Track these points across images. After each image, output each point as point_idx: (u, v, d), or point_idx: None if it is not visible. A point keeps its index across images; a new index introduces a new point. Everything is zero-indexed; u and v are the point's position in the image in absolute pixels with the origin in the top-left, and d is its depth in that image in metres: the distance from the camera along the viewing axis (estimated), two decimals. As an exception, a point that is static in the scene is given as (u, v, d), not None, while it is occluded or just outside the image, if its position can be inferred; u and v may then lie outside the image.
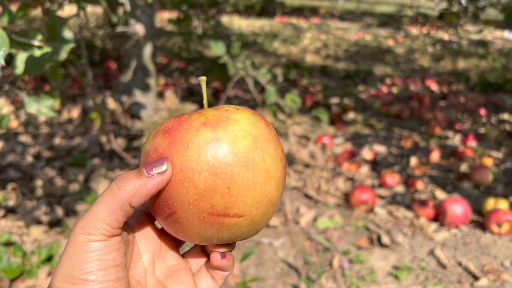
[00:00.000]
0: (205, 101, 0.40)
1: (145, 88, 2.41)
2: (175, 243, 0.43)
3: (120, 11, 2.15)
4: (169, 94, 2.70)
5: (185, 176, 0.34)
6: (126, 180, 0.34)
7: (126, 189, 0.34)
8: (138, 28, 2.16)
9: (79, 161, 2.01)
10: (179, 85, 3.00)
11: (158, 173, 0.34)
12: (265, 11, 6.31)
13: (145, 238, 0.40)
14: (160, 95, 2.78)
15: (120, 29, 1.96)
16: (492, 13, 5.69)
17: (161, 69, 3.48)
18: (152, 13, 2.31)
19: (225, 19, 5.12)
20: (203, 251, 0.43)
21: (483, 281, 1.37)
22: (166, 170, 0.34)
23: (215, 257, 0.39)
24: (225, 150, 0.34)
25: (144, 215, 0.41)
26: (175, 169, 0.35)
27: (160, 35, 4.35)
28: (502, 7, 2.45)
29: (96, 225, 0.33)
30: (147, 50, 2.39)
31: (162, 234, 0.42)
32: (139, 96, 2.42)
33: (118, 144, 2.17)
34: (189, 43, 2.49)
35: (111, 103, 2.44)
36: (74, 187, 1.83)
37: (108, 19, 1.83)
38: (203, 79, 0.40)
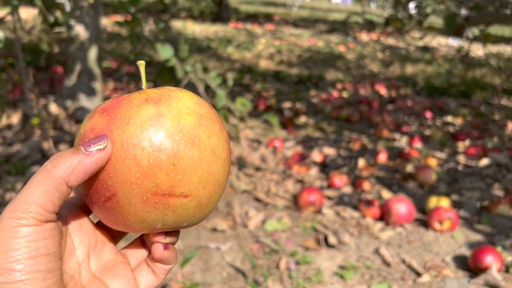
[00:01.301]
0: (144, 84, 0.38)
1: (91, 92, 2.33)
2: (111, 237, 0.40)
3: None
4: (117, 98, 2.62)
5: (126, 153, 0.32)
6: (62, 158, 0.31)
7: (63, 167, 0.31)
8: (79, 30, 2.09)
9: (18, 168, 1.91)
10: (128, 89, 2.93)
11: (97, 149, 0.32)
12: (219, 17, 6.30)
13: (79, 231, 0.37)
14: (107, 99, 2.69)
15: (58, 30, 1.88)
16: (439, 21, 5.96)
17: (110, 74, 3.39)
18: (96, 15, 2.24)
19: (178, 24, 5.07)
20: (142, 244, 0.40)
21: (425, 277, 1.41)
22: (105, 146, 0.32)
23: (157, 248, 0.37)
24: (169, 125, 0.33)
25: (77, 208, 0.38)
26: (115, 146, 0.32)
27: (111, 39, 4.24)
28: (444, 15, 2.56)
29: (28, 208, 0.30)
30: (92, 53, 2.31)
31: (98, 227, 0.39)
32: (84, 100, 2.33)
33: (61, 150, 2.08)
34: (136, 46, 2.43)
35: (55, 108, 2.35)
36: (11, 196, 1.73)
37: (45, 19, 1.75)
38: (141, 63, 0.38)
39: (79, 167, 0.31)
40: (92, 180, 0.33)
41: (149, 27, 2.69)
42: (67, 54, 2.36)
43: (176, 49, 2.33)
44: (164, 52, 2.14)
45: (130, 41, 2.34)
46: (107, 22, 4.86)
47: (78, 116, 2.34)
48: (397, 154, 2.34)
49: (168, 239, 0.37)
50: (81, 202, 0.38)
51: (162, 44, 2.24)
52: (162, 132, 0.32)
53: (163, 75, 2.40)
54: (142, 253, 0.40)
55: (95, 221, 0.39)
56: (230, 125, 2.27)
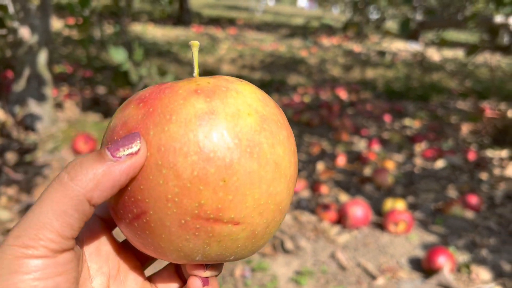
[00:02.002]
0: (196, 71, 0.30)
1: (41, 98, 2.23)
2: (138, 262, 0.32)
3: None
4: (69, 104, 2.53)
5: (164, 160, 0.25)
6: (82, 168, 0.24)
7: (84, 180, 0.23)
8: (24, 33, 2.00)
9: (-43, 180, 1.80)
10: (84, 94, 2.83)
11: (128, 154, 0.24)
12: (180, 21, 6.23)
13: (98, 255, 0.29)
14: (61, 105, 2.59)
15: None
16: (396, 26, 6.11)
17: (65, 79, 3.27)
18: (45, 17, 2.15)
19: (138, 28, 4.98)
20: (177, 273, 0.32)
21: (380, 280, 1.41)
22: (139, 150, 0.25)
23: (195, 283, 0.29)
24: (223, 127, 0.25)
25: (98, 221, 0.30)
26: (150, 149, 0.25)
27: (67, 42, 4.11)
28: (399, 20, 2.62)
29: (38, 234, 0.22)
30: (42, 57, 2.21)
31: (122, 249, 0.31)
32: (33, 106, 2.23)
33: (8, 158, 1.97)
34: (89, 50, 2.36)
35: (1, 114, 2.23)
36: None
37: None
38: (195, 43, 0.31)
39: (105, 179, 0.24)
40: (119, 191, 0.26)
41: (105, 30, 2.61)
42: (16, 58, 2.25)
43: (132, 53, 2.26)
44: (117, 55, 2.08)
45: (81, 44, 2.26)
46: (63, 25, 4.72)
47: (27, 123, 2.24)
48: (356, 157, 2.36)
49: (208, 273, 0.29)
50: (103, 212, 0.31)
51: (116, 47, 2.17)
52: (213, 136, 0.25)
53: (117, 79, 2.33)
54: (175, 284, 0.32)
55: (119, 239, 0.32)
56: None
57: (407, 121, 3.05)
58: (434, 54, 4.67)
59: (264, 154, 0.26)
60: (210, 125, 0.25)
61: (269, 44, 5.14)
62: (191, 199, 0.25)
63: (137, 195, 0.26)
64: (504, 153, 2.40)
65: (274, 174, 0.27)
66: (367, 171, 2.19)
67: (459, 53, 5.18)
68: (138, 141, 0.25)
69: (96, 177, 0.23)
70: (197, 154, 0.25)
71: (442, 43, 2.93)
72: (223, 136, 0.25)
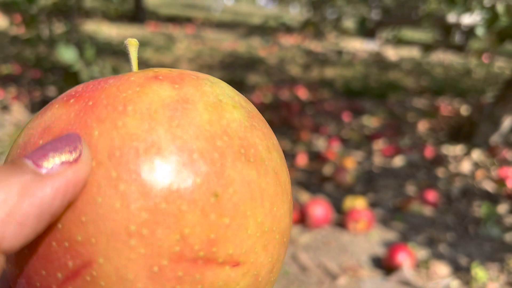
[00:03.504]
0: (134, 66, 0.23)
1: (-16, 100, 2.09)
2: None
3: None
4: (17, 107, 2.39)
5: (121, 169, 0.16)
6: None
7: None
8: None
9: None
10: (33, 96, 2.68)
11: (62, 163, 0.15)
12: (136, 19, 6.07)
13: None
14: (7, 108, 2.45)
15: None
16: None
17: (13, 80, 3.10)
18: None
19: (91, 26, 4.81)
20: None
21: (341, 280, 1.40)
22: (79, 156, 0.15)
23: None
24: (204, 119, 0.18)
25: None
26: (97, 156, 0.16)
27: (15, 42, 3.90)
28: (356, 19, 2.64)
29: None
30: (-16, 56, 2.07)
31: None
32: (-25, 109, 2.09)
33: None
34: (37, 49, 2.24)
35: None
36: None
37: None
38: (132, 42, 0.23)
39: (26, 205, 0.14)
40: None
41: (55, 29, 2.49)
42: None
43: (83, 52, 2.16)
44: (66, 55, 1.98)
45: (29, 44, 2.14)
46: (9, 24, 4.47)
47: (-32, 127, 2.09)
48: (316, 156, 2.36)
49: None
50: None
51: (65, 46, 2.07)
52: (193, 131, 0.17)
53: (68, 80, 2.22)
54: None
55: None
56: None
57: (365, 120, 3.09)
58: (391, 53, 4.78)
59: (261, 159, 0.19)
60: (186, 116, 0.17)
61: (228, 43, 5.10)
62: (168, 228, 0.16)
63: (75, 235, 0.16)
64: (458, 149, 2.47)
65: (276, 187, 0.19)
66: (327, 169, 2.19)
67: (415, 52, 5.33)
68: (77, 143, 0.16)
69: (10, 202, 0.13)
70: (171, 160, 0.16)
71: (398, 41, 2.98)
72: (207, 131, 0.17)
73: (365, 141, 2.67)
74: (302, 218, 1.68)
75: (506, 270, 1.46)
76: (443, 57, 4.25)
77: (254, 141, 0.19)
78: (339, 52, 4.05)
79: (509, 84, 2.23)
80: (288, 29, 3.66)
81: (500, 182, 2.06)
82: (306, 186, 2.02)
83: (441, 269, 1.46)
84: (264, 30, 4.46)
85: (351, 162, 2.25)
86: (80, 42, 2.28)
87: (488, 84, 3.93)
